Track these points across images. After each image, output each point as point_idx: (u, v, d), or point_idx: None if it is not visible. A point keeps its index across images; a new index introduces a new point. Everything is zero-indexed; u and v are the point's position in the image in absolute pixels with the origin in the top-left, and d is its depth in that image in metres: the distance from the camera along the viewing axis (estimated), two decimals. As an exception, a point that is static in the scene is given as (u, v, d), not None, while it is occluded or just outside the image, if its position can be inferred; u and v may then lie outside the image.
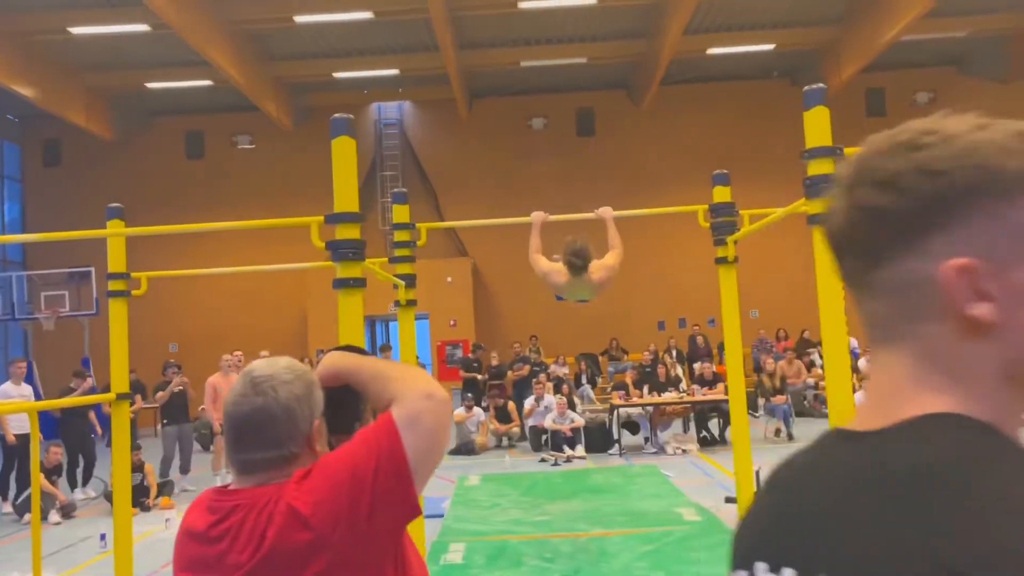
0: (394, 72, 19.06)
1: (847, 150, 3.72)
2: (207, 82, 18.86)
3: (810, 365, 17.00)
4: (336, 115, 3.78)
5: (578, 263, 4.98)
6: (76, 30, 15.95)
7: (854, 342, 18.55)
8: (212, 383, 10.46)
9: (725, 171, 5.51)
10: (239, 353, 10.71)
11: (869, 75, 19.92)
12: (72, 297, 17.57)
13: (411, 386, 1.51)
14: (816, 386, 16.82)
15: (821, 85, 3.69)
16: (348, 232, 3.70)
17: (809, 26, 18.33)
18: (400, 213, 5.71)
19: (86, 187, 20.00)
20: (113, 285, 4.81)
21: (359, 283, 3.73)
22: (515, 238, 21.20)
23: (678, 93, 20.74)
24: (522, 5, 15.81)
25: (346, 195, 3.71)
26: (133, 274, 4.95)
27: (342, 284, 3.70)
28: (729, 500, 7.62)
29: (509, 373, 14.31)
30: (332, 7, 15.74)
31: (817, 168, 3.64)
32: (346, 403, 1.61)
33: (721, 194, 5.50)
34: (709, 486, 9.15)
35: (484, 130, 21.15)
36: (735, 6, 17.14)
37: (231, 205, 19.02)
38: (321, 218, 3.84)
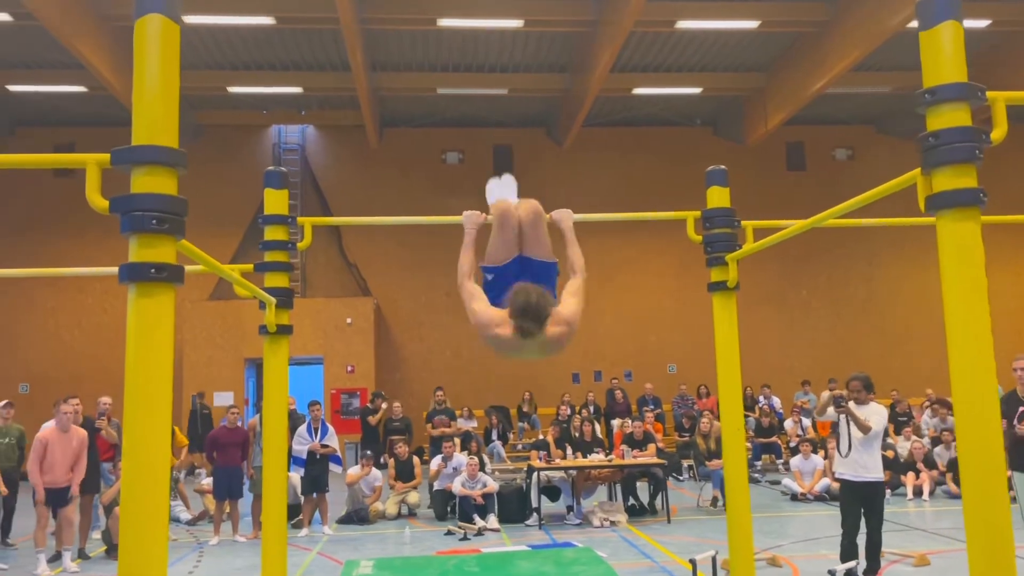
0: (297, 90, 17.30)
1: (990, 94, 2.35)
2: (80, 88, 16.66)
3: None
4: (144, -23, 2.16)
5: (532, 328, 3.44)
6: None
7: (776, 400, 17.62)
8: (43, 439, 8.31)
9: (722, 167, 4.09)
10: (75, 401, 8.57)
11: (790, 128, 19.51)
12: None
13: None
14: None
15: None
16: (152, 182, 2.06)
17: (738, 71, 17.72)
18: (274, 201, 4.00)
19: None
20: None
21: (169, 274, 2.06)
22: (424, 277, 19.59)
23: (600, 135, 19.82)
24: (441, 22, 14.47)
25: (153, 114, 2.07)
26: None
27: (135, 274, 2.03)
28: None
29: (428, 427, 12.47)
30: (228, 7, 13.98)
31: (945, 119, 2.24)
32: None
33: (718, 197, 4.05)
34: (651, 572, 7.63)
35: (394, 162, 19.57)
36: (665, 44, 16.34)
37: (106, 229, 15.97)
38: (106, 156, 2.18)
